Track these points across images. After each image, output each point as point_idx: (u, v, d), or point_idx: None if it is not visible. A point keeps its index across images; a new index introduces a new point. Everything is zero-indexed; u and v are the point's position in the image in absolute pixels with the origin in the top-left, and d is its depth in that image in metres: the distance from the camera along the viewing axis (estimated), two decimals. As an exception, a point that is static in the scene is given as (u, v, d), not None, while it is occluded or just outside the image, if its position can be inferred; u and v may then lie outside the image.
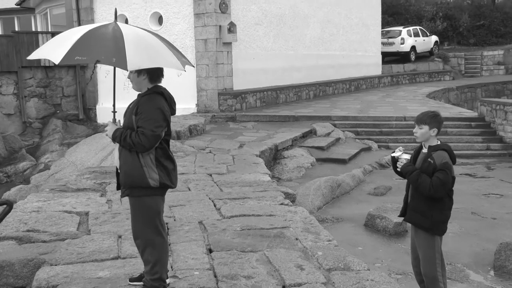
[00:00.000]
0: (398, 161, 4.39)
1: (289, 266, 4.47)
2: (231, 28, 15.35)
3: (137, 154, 3.80)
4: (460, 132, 13.67)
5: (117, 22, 3.79)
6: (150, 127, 3.69)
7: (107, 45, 3.57)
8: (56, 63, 3.58)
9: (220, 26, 15.20)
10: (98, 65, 17.05)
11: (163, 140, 3.86)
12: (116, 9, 4.44)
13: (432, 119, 4.30)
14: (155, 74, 3.85)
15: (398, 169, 4.40)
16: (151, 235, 3.88)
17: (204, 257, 4.66)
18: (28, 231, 5.33)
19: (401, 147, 4.58)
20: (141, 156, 3.79)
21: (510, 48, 31.60)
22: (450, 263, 5.85)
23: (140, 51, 3.62)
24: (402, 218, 4.58)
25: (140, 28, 3.96)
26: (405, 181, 4.50)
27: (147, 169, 3.80)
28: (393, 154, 4.44)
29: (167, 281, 4.08)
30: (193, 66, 4.84)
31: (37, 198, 6.61)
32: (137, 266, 4.43)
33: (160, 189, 3.87)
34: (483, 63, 30.95)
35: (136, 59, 3.55)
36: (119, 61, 3.49)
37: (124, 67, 3.49)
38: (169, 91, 4.05)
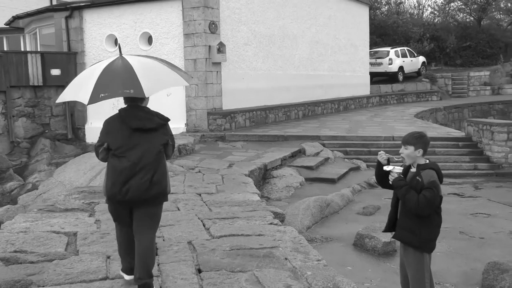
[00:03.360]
0: (390, 174, 4.40)
1: (279, 286, 4.46)
2: (221, 48, 15.45)
3: None
4: (447, 151, 13.77)
5: (122, 55, 4.20)
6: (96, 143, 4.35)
7: (121, 78, 4.00)
8: (86, 104, 3.96)
9: (209, 46, 15.30)
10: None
11: (112, 155, 4.22)
12: (119, 44, 4.94)
13: (417, 140, 4.34)
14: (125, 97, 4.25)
15: (390, 182, 4.42)
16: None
17: (193, 277, 4.64)
18: (15, 252, 5.28)
19: (381, 151, 4.56)
20: None
21: (496, 69, 32.03)
22: (439, 282, 5.86)
23: (149, 78, 4.05)
24: (391, 236, 4.59)
25: (141, 56, 4.41)
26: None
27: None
28: (385, 168, 4.44)
29: (128, 277, 4.49)
30: (192, 77, 5.33)
31: (25, 219, 6.55)
32: (125, 287, 4.40)
33: (108, 198, 4.29)
34: (470, 83, 31.34)
35: (150, 86, 4.01)
36: (136, 91, 3.95)
37: (142, 95, 3.99)
38: (159, 110, 4.40)
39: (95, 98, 3.90)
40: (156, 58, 4.38)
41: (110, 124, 4.27)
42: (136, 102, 4.27)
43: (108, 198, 4.27)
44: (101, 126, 4.30)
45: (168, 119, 4.37)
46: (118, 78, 3.99)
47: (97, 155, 4.30)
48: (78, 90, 4.09)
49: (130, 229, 4.35)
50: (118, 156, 4.16)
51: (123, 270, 4.55)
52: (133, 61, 4.12)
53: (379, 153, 4.55)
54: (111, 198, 4.23)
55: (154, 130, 4.24)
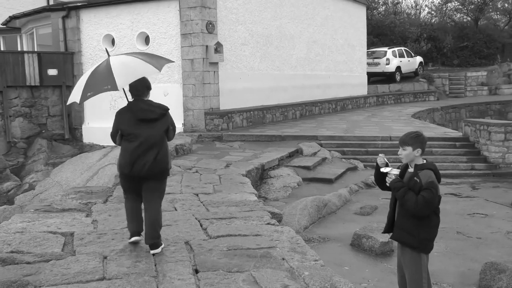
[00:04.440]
0: (387, 176, 4.40)
1: (276, 286, 4.45)
2: (218, 48, 15.44)
3: None
4: (445, 152, 13.78)
5: (110, 57, 5.00)
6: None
7: (102, 77, 4.80)
8: (78, 102, 4.90)
9: (206, 46, 15.29)
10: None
11: (124, 138, 5.16)
12: (106, 48, 5.82)
13: (414, 139, 4.34)
14: (131, 92, 5.20)
15: (387, 184, 4.42)
16: None
17: (190, 278, 4.63)
18: (11, 252, 5.26)
19: (381, 154, 4.57)
20: None
21: (493, 69, 32.07)
22: (436, 283, 5.87)
23: (122, 73, 4.80)
24: (388, 235, 4.59)
25: (127, 54, 5.25)
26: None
27: None
28: (382, 170, 4.44)
29: (132, 239, 5.36)
30: (173, 62, 6.14)
31: (21, 219, 6.54)
32: (122, 287, 4.39)
33: (121, 174, 5.26)
34: (467, 84, 31.37)
35: (122, 79, 4.78)
36: (112, 86, 4.73)
37: (116, 88, 4.73)
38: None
39: (84, 97, 4.75)
40: (138, 54, 5.23)
41: (121, 115, 5.19)
42: (140, 96, 5.20)
43: (120, 173, 5.23)
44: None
45: (167, 108, 5.28)
46: (100, 77, 4.82)
47: (114, 141, 5.28)
48: (76, 92, 4.88)
49: (137, 199, 5.29)
50: (129, 140, 5.09)
51: (130, 235, 5.39)
52: (114, 61, 4.93)
53: (379, 155, 4.56)
54: (123, 173, 5.16)
55: (156, 119, 5.15)
